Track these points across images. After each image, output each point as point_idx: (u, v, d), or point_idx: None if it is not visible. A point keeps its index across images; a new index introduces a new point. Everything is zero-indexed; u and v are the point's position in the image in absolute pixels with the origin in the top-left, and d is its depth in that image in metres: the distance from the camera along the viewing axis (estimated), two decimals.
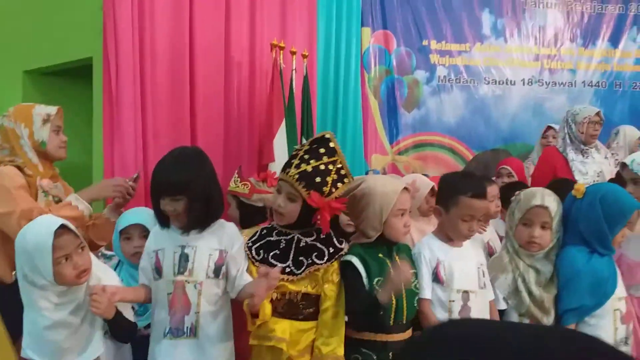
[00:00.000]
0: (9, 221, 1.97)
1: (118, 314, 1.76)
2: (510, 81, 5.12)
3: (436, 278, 2.03)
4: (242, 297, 1.87)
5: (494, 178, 3.58)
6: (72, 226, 1.73)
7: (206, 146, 3.41)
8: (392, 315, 1.91)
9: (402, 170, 4.88)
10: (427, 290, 2.03)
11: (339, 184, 1.91)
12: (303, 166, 1.88)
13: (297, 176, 1.87)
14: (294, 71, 3.75)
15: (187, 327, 1.83)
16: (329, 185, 1.88)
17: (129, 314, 1.86)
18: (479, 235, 2.50)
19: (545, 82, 5.18)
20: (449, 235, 2.10)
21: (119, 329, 1.80)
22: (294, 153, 1.93)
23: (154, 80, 3.23)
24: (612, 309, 2.06)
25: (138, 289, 1.91)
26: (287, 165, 1.92)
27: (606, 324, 2.07)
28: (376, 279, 1.91)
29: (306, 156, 1.90)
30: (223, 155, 3.55)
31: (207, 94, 3.44)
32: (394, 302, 1.90)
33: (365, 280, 1.90)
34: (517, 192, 2.32)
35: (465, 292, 2.03)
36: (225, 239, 1.90)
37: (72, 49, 3.39)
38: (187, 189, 1.82)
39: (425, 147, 5.04)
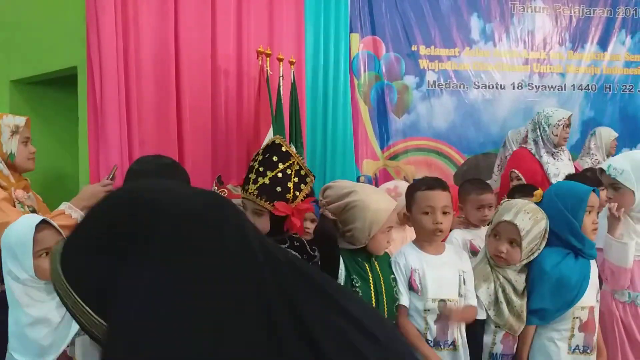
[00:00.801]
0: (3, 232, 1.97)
1: None
2: (500, 85, 5.12)
3: (411, 287, 2.02)
4: None
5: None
6: (54, 223, 1.76)
7: (194, 154, 3.44)
8: None
9: (393, 176, 4.88)
10: (404, 297, 2.01)
11: (302, 186, 1.91)
12: (260, 180, 1.86)
13: (256, 192, 1.85)
14: (281, 78, 3.75)
15: None
16: (292, 190, 1.87)
17: None
18: (461, 238, 2.46)
19: (535, 86, 5.18)
20: (422, 238, 2.09)
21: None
22: (250, 165, 1.93)
23: (139, 88, 3.23)
24: (572, 315, 2.05)
25: None
26: (246, 181, 1.91)
27: (563, 330, 2.06)
28: (352, 277, 1.93)
29: (261, 169, 1.88)
30: (211, 163, 3.56)
31: (193, 101, 3.44)
32: (373, 304, 1.91)
33: (342, 271, 1.92)
34: (504, 200, 2.31)
35: (443, 300, 2.01)
36: None
37: (57, 58, 3.39)
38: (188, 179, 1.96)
39: (416, 152, 5.04)
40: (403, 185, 2.74)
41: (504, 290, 2.07)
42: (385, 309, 1.94)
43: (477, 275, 2.10)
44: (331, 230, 1.94)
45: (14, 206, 2.14)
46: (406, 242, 2.52)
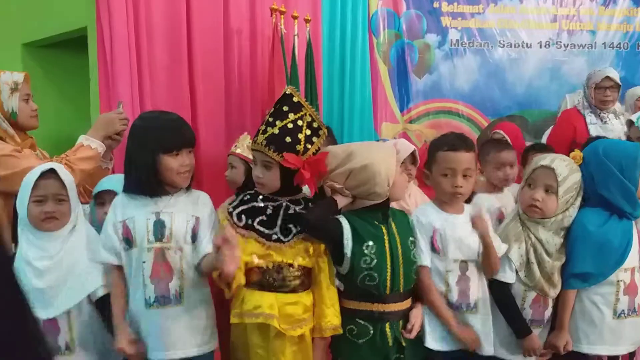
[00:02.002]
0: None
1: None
2: (526, 44, 4.91)
3: (432, 247, 1.95)
4: (204, 267, 1.80)
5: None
6: (65, 176, 1.81)
7: (207, 116, 3.35)
8: (388, 285, 1.85)
9: (413, 139, 4.75)
10: (426, 257, 1.94)
11: (314, 138, 1.82)
12: (269, 130, 1.79)
13: (264, 142, 1.78)
14: (296, 37, 3.62)
15: (172, 294, 1.79)
16: (302, 142, 1.78)
17: None
18: (488, 204, 2.37)
19: (564, 45, 4.95)
20: (441, 199, 2.01)
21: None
22: (263, 119, 1.85)
23: (150, 50, 3.14)
24: (615, 279, 1.96)
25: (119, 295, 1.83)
26: (256, 133, 1.84)
27: (607, 294, 1.98)
28: (366, 244, 1.84)
29: (271, 119, 1.81)
30: (225, 125, 3.47)
31: (206, 61, 3.34)
32: (388, 270, 1.83)
33: (348, 240, 1.84)
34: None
35: (464, 261, 1.95)
36: (199, 206, 1.86)
37: (67, 20, 3.31)
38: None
39: (438, 115, 4.89)
40: (402, 143, 2.69)
41: (535, 250, 1.98)
42: (401, 272, 1.87)
43: (508, 236, 2.01)
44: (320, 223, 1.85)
45: None
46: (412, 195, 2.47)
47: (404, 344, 1.88)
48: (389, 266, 1.84)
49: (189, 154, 1.83)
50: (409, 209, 2.27)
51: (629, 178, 1.95)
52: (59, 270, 1.79)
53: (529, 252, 1.99)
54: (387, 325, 1.86)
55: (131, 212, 1.81)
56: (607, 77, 3.43)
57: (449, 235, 1.95)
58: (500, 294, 2.01)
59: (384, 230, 1.88)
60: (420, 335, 1.93)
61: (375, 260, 1.84)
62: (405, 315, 1.91)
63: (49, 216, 1.79)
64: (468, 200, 2.14)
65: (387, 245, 1.86)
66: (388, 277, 1.84)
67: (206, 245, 1.80)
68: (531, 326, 2.01)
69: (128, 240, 1.80)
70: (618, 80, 3.50)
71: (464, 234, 1.97)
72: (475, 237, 1.97)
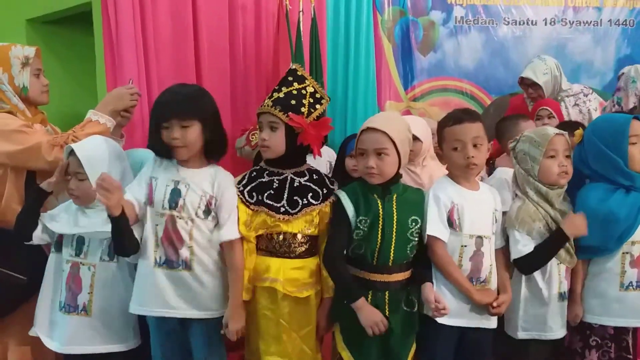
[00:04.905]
0: (39, 154, 1.98)
1: (124, 215, 1.78)
2: (532, 21, 4.87)
3: (449, 221, 1.96)
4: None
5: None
6: (82, 154, 1.84)
7: (212, 91, 3.28)
8: (376, 256, 1.90)
9: None
10: (442, 231, 1.94)
11: (317, 106, 1.94)
12: (275, 94, 1.92)
13: (271, 103, 1.90)
14: (301, 13, 3.60)
15: (181, 260, 1.86)
16: (306, 106, 1.90)
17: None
18: (505, 175, 2.33)
19: (569, 22, 4.91)
20: (456, 173, 2.03)
21: (122, 236, 1.80)
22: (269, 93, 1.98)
23: (156, 26, 3.14)
24: (620, 251, 1.98)
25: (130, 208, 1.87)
26: (263, 101, 1.96)
27: (613, 267, 2.00)
28: (360, 218, 1.89)
29: (277, 87, 1.94)
30: (230, 103, 3.48)
31: (211, 38, 3.34)
32: (378, 243, 1.87)
33: (352, 217, 1.90)
34: (513, 139, 2.18)
35: (479, 237, 1.97)
36: (216, 186, 1.90)
37: None
38: (199, 112, 1.86)
39: (442, 93, 4.87)
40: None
41: (557, 224, 1.99)
42: (392, 247, 1.89)
43: (524, 218, 2.01)
44: None
45: None
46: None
47: (387, 313, 1.90)
48: (379, 239, 1.88)
49: (181, 128, 1.84)
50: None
51: (615, 151, 1.97)
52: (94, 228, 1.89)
53: (551, 227, 1.99)
54: (370, 293, 1.90)
55: (157, 172, 1.93)
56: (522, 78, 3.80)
57: (466, 210, 1.97)
58: (527, 265, 2.02)
59: (380, 205, 1.91)
60: (411, 309, 1.96)
61: (366, 232, 1.89)
62: (391, 288, 1.93)
63: (71, 193, 1.91)
64: (489, 173, 2.16)
65: (380, 219, 1.89)
66: (377, 249, 1.89)
67: (224, 234, 1.89)
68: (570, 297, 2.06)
69: (149, 199, 1.91)
70: (537, 80, 3.83)
71: (480, 209, 2.00)
72: (490, 214, 2.01)
